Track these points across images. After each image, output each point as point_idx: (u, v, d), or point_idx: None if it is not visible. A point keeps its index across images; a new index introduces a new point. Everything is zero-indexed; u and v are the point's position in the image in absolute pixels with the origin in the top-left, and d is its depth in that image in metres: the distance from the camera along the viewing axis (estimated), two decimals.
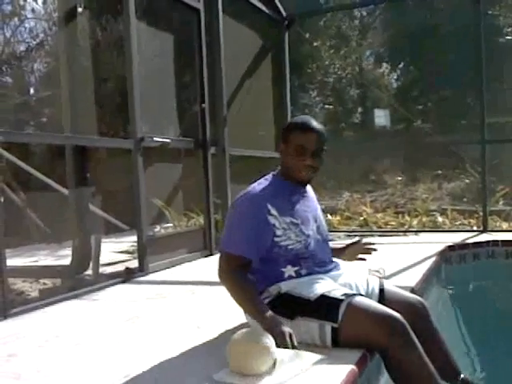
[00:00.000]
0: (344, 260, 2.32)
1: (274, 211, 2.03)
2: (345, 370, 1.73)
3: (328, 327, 1.89)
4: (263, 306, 1.95)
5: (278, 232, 2.03)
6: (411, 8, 12.02)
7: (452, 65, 10.54)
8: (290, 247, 2.05)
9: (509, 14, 10.80)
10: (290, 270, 2.06)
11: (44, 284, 4.28)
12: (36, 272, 4.47)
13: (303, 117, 2.22)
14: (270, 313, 1.91)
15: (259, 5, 5.69)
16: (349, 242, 2.43)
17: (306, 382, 1.65)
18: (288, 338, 1.82)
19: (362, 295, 1.99)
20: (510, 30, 10.88)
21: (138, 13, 3.96)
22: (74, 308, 3.02)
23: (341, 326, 1.87)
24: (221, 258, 2.07)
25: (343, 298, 1.90)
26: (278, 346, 1.76)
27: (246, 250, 2.00)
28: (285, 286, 2.03)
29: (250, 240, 1.99)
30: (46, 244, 5.88)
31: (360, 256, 2.39)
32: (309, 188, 2.28)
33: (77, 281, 3.86)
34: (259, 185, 2.11)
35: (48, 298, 3.14)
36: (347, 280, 2.13)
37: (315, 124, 2.11)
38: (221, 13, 4.89)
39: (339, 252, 2.37)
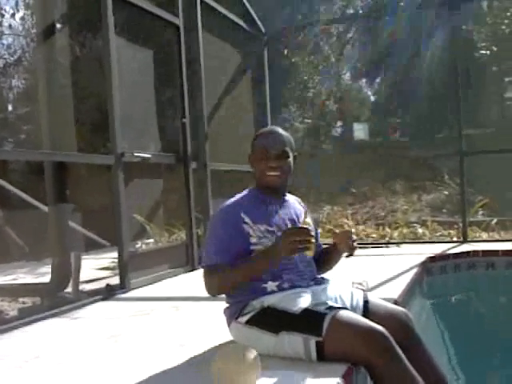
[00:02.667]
0: (340, 250, 2.21)
1: (247, 219, 2.05)
2: (331, 383, 1.72)
3: (312, 341, 1.88)
4: (249, 259, 1.99)
5: (253, 240, 2.04)
6: (387, 23, 12.23)
7: (429, 78, 10.72)
8: None
9: (482, 29, 11.08)
10: (271, 286, 2.05)
11: (23, 303, 4.21)
12: (15, 290, 4.39)
13: (268, 126, 2.30)
14: (258, 252, 1.99)
15: (239, 21, 5.74)
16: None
17: None
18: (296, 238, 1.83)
19: (346, 308, 1.98)
20: (483, 44, 11.13)
21: (117, 29, 3.96)
22: (54, 327, 2.96)
23: (325, 340, 1.85)
24: (203, 274, 2.07)
25: (327, 311, 1.89)
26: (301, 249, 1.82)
27: (221, 258, 2.00)
28: (268, 300, 2.02)
29: (224, 247, 2.01)
30: (25, 262, 5.79)
31: (346, 253, 2.24)
32: (292, 198, 2.29)
33: (57, 299, 3.79)
34: (235, 198, 2.15)
35: (27, 316, 3.08)
36: (331, 293, 2.12)
37: (278, 129, 2.18)
38: (200, 29, 4.92)
39: (332, 246, 2.28)
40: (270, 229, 2.08)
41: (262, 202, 2.14)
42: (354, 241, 2.14)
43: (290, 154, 2.14)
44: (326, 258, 2.32)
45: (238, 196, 2.17)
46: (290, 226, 2.13)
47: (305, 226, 1.89)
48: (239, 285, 2.03)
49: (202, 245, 2.16)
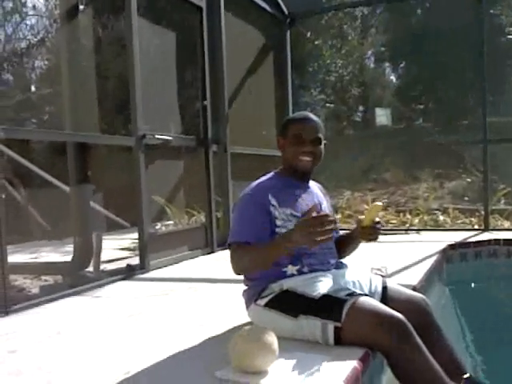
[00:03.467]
0: (360, 240, 2.19)
1: (274, 202, 2.06)
2: (348, 366, 1.72)
3: (331, 326, 1.88)
4: (268, 244, 1.95)
5: (278, 222, 2.05)
6: (412, 7, 12.02)
7: (453, 64, 10.53)
8: None
9: (511, 12, 10.79)
10: (291, 269, 2.06)
11: (45, 281, 4.28)
12: (37, 268, 4.47)
13: (301, 112, 2.29)
14: (276, 238, 1.95)
15: (261, 3, 5.68)
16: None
17: (309, 379, 1.65)
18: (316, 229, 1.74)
19: (365, 294, 1.98)
20: (511, 29, 10.87)
21: (140, 10, 3.96)
22: (75, 305, 3.01)
23: (343, 326, 1.86)
24: (230, 250, 2.05)
25: (347, 298, 1.89)
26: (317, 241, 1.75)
27: (248, 237, 2.00)
28: (287, 284, 2.02)
29: (252, 228, 2.01)
30: (47, 241, 5.88)
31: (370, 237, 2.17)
32: (314, 185, 2.30)
33: (78, 277, 3.85)
34: (261, 180, 2.16)
35: (49, 294, 3.13)
36: (350, 278, 2.13)
37: (313, 116, 2.19)
38: (223, 11, 4.89)
39: (352, 234, 2.26)
40: (295, 213, 2.08)
41: (288, 186, 2.15)
42: (379, 229, 2.09)
43: (322, 141, 2.15)
44: (343, 245, 2.29)
45: (263, 178, 2.18)
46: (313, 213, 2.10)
47: (322, 214, 1.81)
48: (259, 268, 2.03)
49: (230, 225, 2.14)
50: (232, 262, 2.04)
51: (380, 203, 2.14)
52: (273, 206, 2.06)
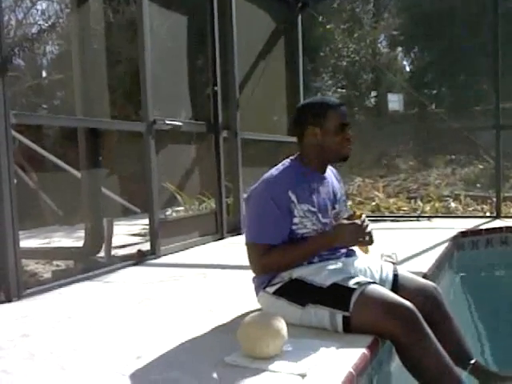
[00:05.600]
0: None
1: (293, 198, 2.01)
2: (356, 353, 1.73)
3: (339, 315, 1.88)
4: (310, 241, 2.03)
5: (296, 220, 2.02)
6: None
7: (467, 50, 10.39)
8: (305, 236, 2.04)
9: None
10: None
11: (57, 266, 4.32)
12: (49, 254, 4.51)
13: (321, 97, 2.29)
14: (318, 239, 2.03)
15: None
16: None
17: (317, 366, 1.65)
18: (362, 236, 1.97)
19: (375, 283, 1.97)
20: None
21: None
22: (86, 290, 3.04)
23: (352, 315, 1.86)
24: (249, 250, 2.05)
25: (356, 287, 1.88)
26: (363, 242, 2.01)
27: (272, 238, 2.00)
28: (296, 272, 2.02)
29: (277, 228, 2.00)
30: (59, 226, 5.92)
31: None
32: (329, 171, 2.23)
33: (89, 263, 3.88)
34: (278, 172, 2.07)
35: (61, 279, 3.17)
36: (361, 266, 2.12)
37: (336, 100, 2.19)
38: None
39: None
40: (312, 209, 2.04)
41: (305, 179, 2.08)
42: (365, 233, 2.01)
43: None
44: None
45: (280, 170, 2.07)
46: (329, 206, 2.10)
47: (365, 224, 1.98)
48: (290, 267, 2.03)
49: (247, 219, 2.11)
50: (252, 264, 2.05)
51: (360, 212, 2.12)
52: (292, 202, 2.01)
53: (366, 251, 2.12)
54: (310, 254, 2.03)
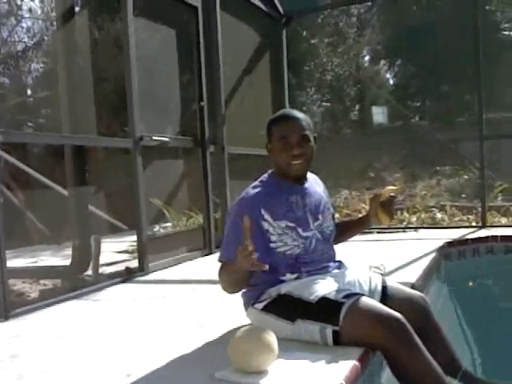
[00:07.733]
0: (376, 221, 2.17)
1: (267, 216, 1.97)
2: (347, 365, 1.73)
3: (329, 330, 1.87)
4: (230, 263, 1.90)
5: (273, 238, 2.00)
6: (408, 4, 12.02)
7: (449, 61, 10.55)
8: (287, 253, 2.02)
9: (506, 9, 10.81)
10: (289, 278, 2.04)
11: (44, 285, 4.28)
12: (36, 273, 4.47)
13: (282, 110, 2.18)
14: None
15: (257, 2, 5.68)
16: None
17: (309, 378, 1.65)
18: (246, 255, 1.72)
19: (363, 295, 1.96)
20: (507, 25, 10.89)
21: (135, 11, 3.95)
22: (74, 308, 3.02)
23: (342, 329, 1.85)
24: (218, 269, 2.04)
25: (344, 300, 1.87)
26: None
27: (231, 256, 1.85)
28: (284, 288, 2.01)
29: (237, 245, 1.80)
30: (46, 245, 5.87)
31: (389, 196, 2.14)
32: (312, 180, 2.19)
33: (77, 281, 3.85)
34: (253, 188, 2.04)
35: (48, 298, 3.14)
36: (349, 278, 2.12)
37: (294, 112, 2.06)
38: (218, 10, 4.88)
39: (362, 218, 2.30)
40: (290, 225, 2.01)
41: (283, 193, 2.04)
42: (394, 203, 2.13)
43: (311, 137, 2.02)
44: (347, 230, 2.34)
45: (256, 186, 2.05)
46: (310, 219, 2.07)
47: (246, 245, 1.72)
48: (236, 288, 2.01)
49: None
50: (219, 281, 2.02)
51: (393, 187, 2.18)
52: (265, 220, 1.98)
53: (386, 220, 2.14)
54: (235, 277, 1.92)
